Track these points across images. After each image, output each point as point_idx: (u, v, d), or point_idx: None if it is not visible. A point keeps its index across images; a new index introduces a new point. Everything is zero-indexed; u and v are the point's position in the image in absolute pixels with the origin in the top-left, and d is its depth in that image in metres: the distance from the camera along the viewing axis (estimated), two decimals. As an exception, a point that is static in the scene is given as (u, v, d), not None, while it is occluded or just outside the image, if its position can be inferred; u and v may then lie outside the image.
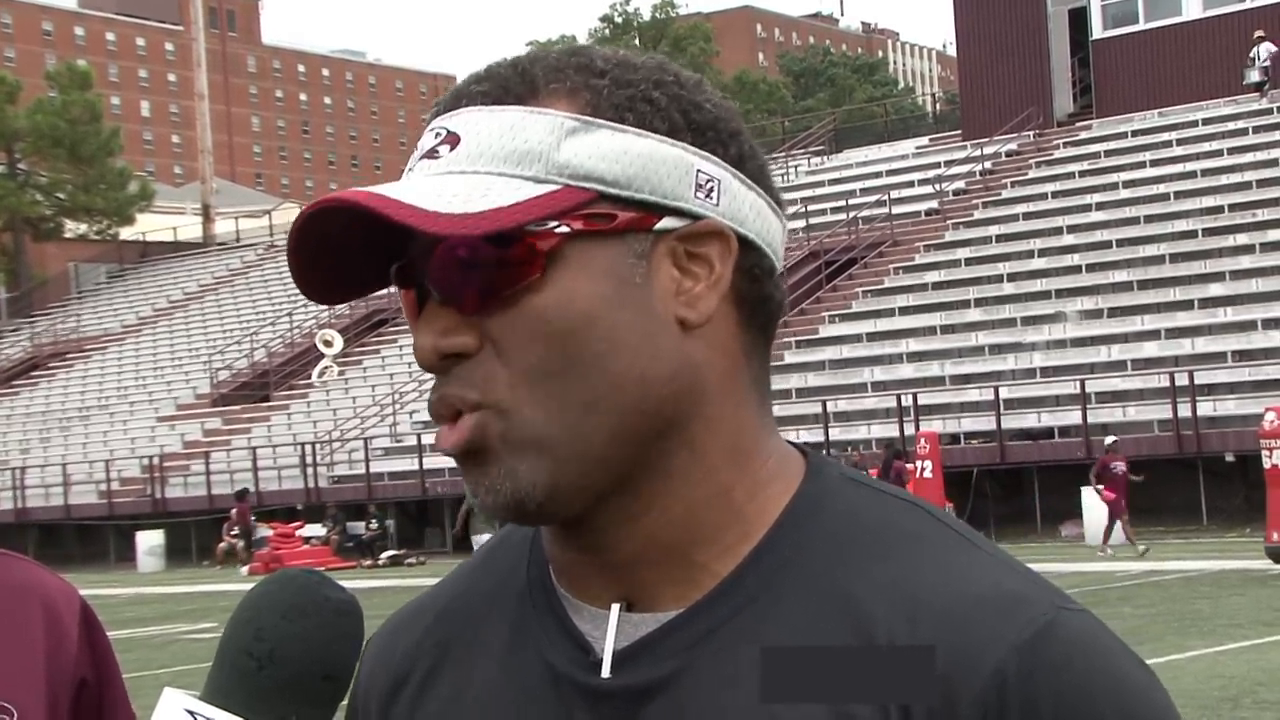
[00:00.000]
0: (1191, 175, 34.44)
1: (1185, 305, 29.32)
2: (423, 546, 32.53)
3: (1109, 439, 23.93)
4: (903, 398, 28.19)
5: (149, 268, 58.33)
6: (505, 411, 1.07)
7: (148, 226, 60.12)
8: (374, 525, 32.25)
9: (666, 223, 1.09)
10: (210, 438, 40.11)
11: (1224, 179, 33.68)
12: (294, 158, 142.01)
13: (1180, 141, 36.26)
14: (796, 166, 44.46)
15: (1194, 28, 38.20)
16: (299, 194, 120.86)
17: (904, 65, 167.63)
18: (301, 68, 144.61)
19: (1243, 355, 27.28)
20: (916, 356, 30.90)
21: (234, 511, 33.46)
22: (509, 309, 1.07)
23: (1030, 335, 30.14)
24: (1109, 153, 37.17)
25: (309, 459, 35.10)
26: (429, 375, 1.10)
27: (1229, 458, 24.86)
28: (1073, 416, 26.80)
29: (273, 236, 54.81)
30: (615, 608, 1.11)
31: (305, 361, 43.08)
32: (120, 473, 39.10)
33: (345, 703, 1.13)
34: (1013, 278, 32.63)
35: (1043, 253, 33.23)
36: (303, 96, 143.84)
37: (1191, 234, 31.97)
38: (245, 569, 31.00)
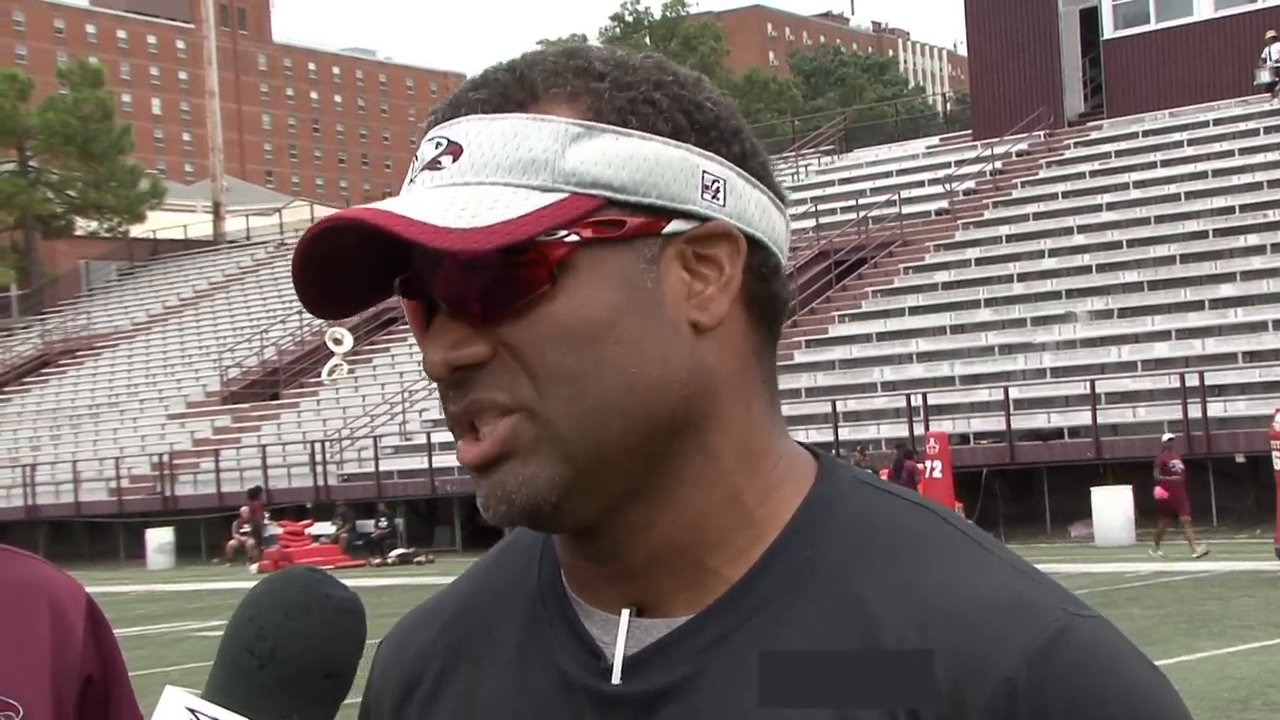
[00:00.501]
0: (1202, 175, 34.39)
1: (1196, 306, 29.27)
2: (432, 545, 32.54)
3: (1166, 436, 23.19)
4: (912, 398, 28.17)
5: (159, 265, 58.39)
6: (536, 414, 1.06)
7: (158, 224, 60.22)
8: (383, 523, 32.27)
9: (675, 226, 1.08)
10: (220, 435, 40.15)
11: (1235, 179, 33.64)
12: (304, 155, 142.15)
13: (1191, 142, 36.21)
14: (806, 166, 44.44)
15: (1205, 28, 38.13)
16: (309, 192, 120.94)
17: (914, 65, 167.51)
18: (312, 66, 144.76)
19: (1253, 356, 27.23)
20: (926, 356, 30.88)
21: (244, 509, 33.50)
22: (520, 318, 1.06)
23: (1040, 335, 30.10)
24: (1120, 153, 37.12)
25: (318, 457, 35.13)
26: None
27: (1239, 459, 24.82)
28: (1083, 417, 26.77)
29: (283, 234, 54.83)
30: (626, 613, 1.11)
31: (315, 359, 43.10)
32: (130, 470, 39.15)
33: (348, 700, 1.13)
34: (1023, 278, 32.60)
35: (1053, 253, 33.19)
36: (313, 94, 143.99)
37: (1202, 234, 31.92)
38: (255, 567, 31.02)
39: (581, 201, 1.06)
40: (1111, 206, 34.37)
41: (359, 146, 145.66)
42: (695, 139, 1.10)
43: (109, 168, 57.47)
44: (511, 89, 1.09)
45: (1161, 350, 28.15)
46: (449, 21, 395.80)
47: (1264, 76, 36.67)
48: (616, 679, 1.09)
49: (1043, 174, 37.79)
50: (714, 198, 1.09)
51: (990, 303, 32.08)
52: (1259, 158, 34.15)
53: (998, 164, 38.91)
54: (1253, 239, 30.98)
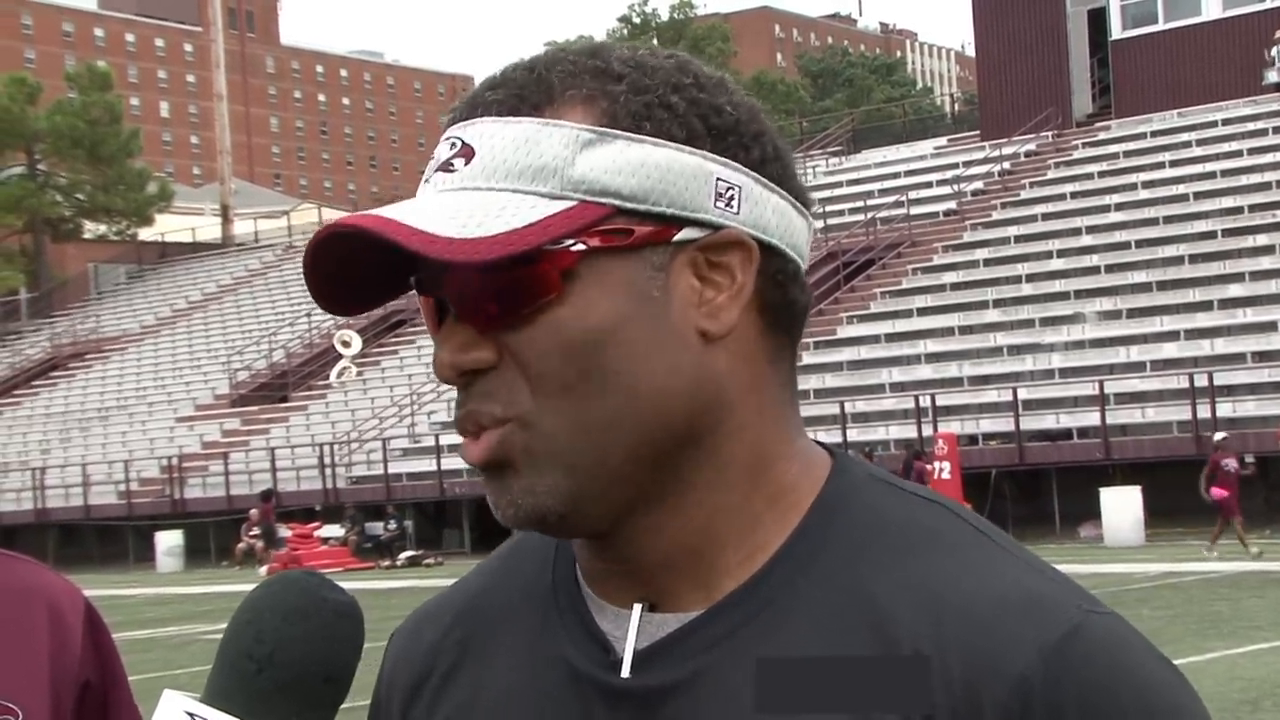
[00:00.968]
0: (1211, 176, 34.39)
1: (1205, 306, 29.26)
2: (441, 547, 32.60)
3: (1218, 435, 22.70)
4: (921, 399, 28.19)
5: (168, 268, 58.54)
6: (529, 424, 1.06)
7: (167, 227, 60.39)
8: (392, 526, 32.32)
9: (685, 234, 1.07)
10: (229, 438, 40.24)
11: (1244, 179, 33.63)
12: (312, 158, 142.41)
13: (1200, 142, 36.22)
14: (815, 167, 44.47)
15: (1213, 28, 38.13)
16: (317, 194, 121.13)
17: (922, 65, 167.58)
18: (320, 68, 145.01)
19: (1263, 356, 27.22)
20: (935, 357, 30.89)
21: (254, 512, 33.56)
22: (526, 325, 1.06)
23: (1049, 336, 30.11)
24: (1128, 153, 37.12)
25: (327, 460, 35.20)
26: None
27: (1249, 459, 24.78)
28: (1091, 418, 26.76)
29: (291, 237, 54.97)
30: (637, 608, 1.11)
31: (324, 362, 43.21)
32: (139, 473, 39.25)
33: (347, 704, 1.12)
34: (1031, 278, 32.60)
35: (1061, 253, 33.20)
36: (321, 97, 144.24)
37: (1211, 235, 31.92)
38: (264, 569, 31.07)
39: (590, 210, 1.06)
40: (1120, 207, 34.37)
41: (367, 149, 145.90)
42: (711, 144, 1.08)
43: (117, 171, 57.64)
44: (528, 90, 1.09)
45: (1170, 351, 28.14)
46: (457, 24, 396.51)
47: (1272, 76, 36.69)
48: (626, 672, 1.10)
49: (1051, 174, 37.79)
50: (728, 205, 1.08)
51: (999, 303, 32.10)
52: (1268, 158, 34.14)
53: (1006, 165, 38.93)
54: (1262, 239, 30.98)
